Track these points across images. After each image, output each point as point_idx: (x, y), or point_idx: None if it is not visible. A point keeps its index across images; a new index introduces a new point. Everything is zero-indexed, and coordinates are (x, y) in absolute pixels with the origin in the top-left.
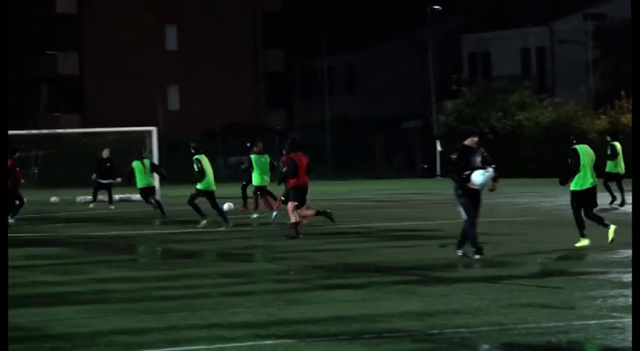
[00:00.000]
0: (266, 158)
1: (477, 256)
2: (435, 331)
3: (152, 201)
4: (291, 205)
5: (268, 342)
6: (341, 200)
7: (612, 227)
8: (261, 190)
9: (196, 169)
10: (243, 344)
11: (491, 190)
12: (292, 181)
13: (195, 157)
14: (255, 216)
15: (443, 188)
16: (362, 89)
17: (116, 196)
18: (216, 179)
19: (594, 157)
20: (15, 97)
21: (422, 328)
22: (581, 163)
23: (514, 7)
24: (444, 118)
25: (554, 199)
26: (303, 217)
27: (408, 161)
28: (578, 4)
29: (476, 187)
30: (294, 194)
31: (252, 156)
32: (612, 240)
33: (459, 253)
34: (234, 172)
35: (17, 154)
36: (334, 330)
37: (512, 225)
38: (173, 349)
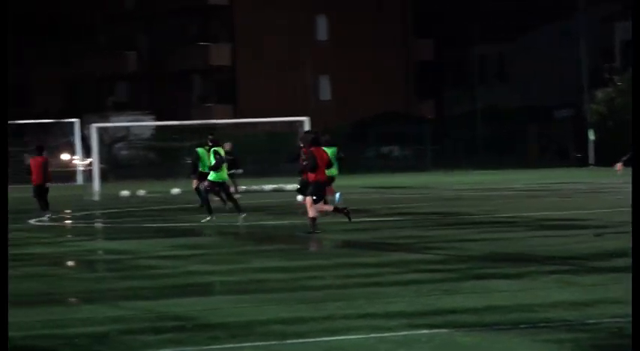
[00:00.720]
0: (333, 150)
1: None
2: (591, 321)
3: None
4: (309, 199)
5: (424, 331)
6: (492, 190)
7: None
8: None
9: (214, 161)
10: (399, 334)
11: None
12: (312, 176)
13: (214, 148)
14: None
15: (596, 177)
16: (513, 78)
17: (269, 187)
18: (369, 169)
19: None
20: (169, 88)
21: (578, 317)
22: None
23: None
24: (596, 107)
25: None
26: (321, 212)
27: (560, 150)
28: None
29: None
30: (313, 189)
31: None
32: None
33: None
34: (385, 162)
35: (44, 151)
36: (489, 320)
37: None
38: (330, 338)
